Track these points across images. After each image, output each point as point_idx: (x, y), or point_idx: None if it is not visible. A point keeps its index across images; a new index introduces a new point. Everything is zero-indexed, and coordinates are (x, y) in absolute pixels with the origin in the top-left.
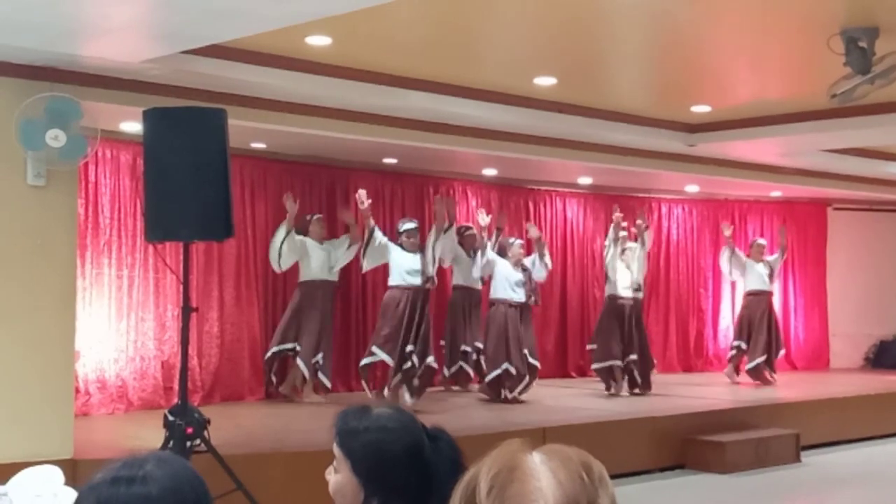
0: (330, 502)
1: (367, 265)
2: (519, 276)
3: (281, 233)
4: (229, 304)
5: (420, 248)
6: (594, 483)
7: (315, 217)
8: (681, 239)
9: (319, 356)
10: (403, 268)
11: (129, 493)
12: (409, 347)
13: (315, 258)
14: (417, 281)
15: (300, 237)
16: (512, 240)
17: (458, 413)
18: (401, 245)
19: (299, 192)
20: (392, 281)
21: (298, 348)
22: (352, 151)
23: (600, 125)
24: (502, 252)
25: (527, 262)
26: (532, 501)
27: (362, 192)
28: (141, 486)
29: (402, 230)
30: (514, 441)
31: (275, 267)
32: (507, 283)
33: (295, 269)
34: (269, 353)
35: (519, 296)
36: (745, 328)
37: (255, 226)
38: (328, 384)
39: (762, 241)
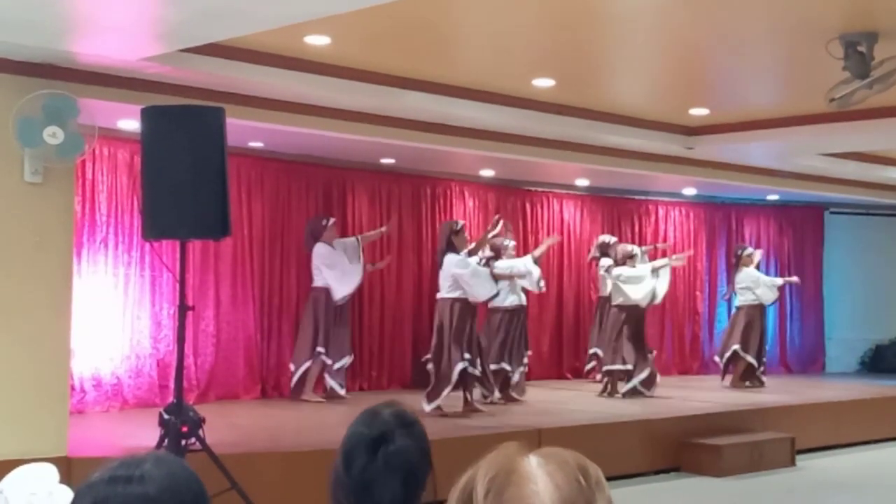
0: (324, 501)
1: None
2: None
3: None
4: (225, 303)
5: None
6: (591, 486)
7: (331, 222)
8: (678, 242)
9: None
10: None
11: (127, 493)
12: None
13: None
14: None
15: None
16: (506, 241)
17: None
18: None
19: (296, 192)
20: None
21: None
22: (349, 151)
23: (598, 127)
24: (496, 253)
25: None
26: None
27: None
28: (138, 485)
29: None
30: (510, 444)
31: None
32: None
33: (289, 271)
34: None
35: (521, 299)
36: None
37: (251, 225)
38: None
39: (754, 250)
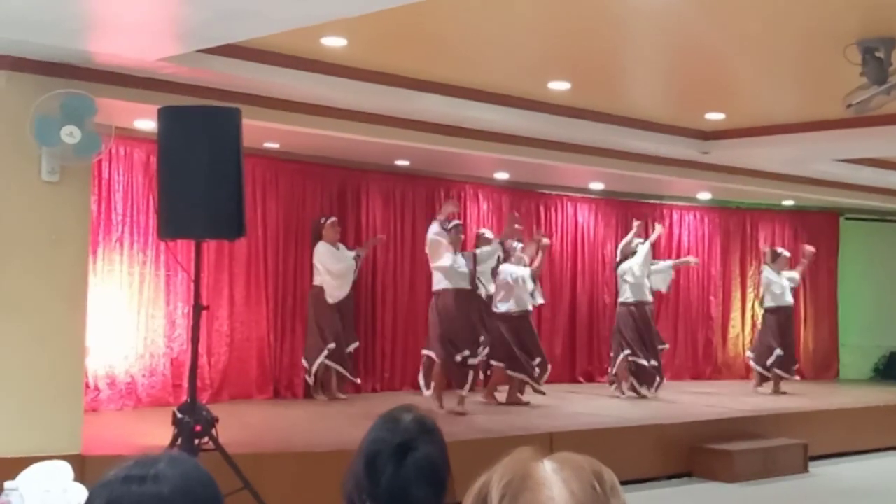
0: (336, 502)
1: None
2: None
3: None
4: (239, 303)
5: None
6: (606, 492)
7: (330, 220)
8: (692, 246)
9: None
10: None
11: (141, 492)
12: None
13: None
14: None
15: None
16: (515, 244)
17: (464, 417)
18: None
19: (311, 193)
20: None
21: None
22: (364, 153)
23: (614, 131)
24: (506, 257)
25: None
26: None
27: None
28: (153, 484)
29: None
30: (525, 449)
31: None
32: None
33: (302, 272)
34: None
35: (528, 302)
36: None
37: (266, 225)
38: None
39: (787, 252)
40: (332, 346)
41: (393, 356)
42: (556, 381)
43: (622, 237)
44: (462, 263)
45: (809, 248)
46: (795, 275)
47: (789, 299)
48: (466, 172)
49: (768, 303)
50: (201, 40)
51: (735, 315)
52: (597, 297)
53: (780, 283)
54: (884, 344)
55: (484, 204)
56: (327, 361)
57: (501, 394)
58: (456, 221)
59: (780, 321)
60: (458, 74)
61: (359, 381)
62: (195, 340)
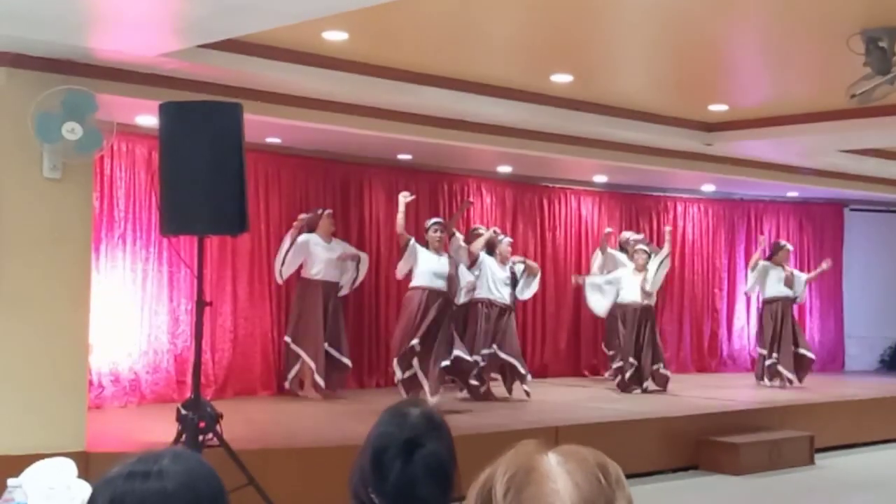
0: (341, 499)
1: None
2: (506, 274)
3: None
4: (242, 299)
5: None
6: (611, 484)
7: (326, 212)
8: (696, 239)
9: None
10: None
11: (145, 488)
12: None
13: (320, 257)
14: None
15: (305, 236)
16: (501, 237)
17: (469, 412)
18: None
19: (313, 187)
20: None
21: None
22: (366, 147)
23: (616, 123)
24: (490, 248)
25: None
26: None
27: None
28: (156, 480)
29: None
30: (529, 442)
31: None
32: (492, 282)
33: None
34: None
35: (503, 296)
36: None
37: (269, 220)
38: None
39: (789, 246)
40: (287, 338)
41: None
42: (561, 375)
43: (626, 230)
44: (431, 264)
45: (826, 266)
46: (802, 275)
47: (783, 291)
48: (469, 166)
49: (764, 294)
50: (202, 35)
51: (740, 307)
52: None
53: (777, 276)
54: (890, 335)
55: (487, 198)
56: (292, 346)
57: (501, 389)
58: (433, 219)
59: (771, 314)
60: (461, 68)
61: (322, 383)
62: (199, 337)
